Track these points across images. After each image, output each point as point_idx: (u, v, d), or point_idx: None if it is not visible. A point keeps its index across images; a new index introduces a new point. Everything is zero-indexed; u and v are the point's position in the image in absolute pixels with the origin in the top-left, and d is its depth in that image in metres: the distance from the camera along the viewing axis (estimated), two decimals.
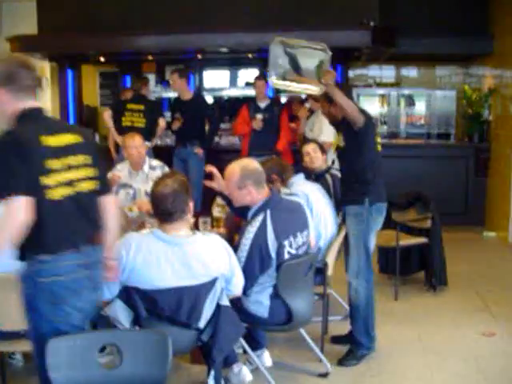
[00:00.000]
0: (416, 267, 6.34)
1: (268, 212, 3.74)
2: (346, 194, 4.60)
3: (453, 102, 10.04)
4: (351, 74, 10.40)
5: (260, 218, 3.73)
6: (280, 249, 3.70)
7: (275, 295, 3.78)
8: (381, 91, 10.59)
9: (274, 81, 4.26)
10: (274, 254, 3.69)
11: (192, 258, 3.27)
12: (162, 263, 3.22)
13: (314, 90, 4.23)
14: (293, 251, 3.79)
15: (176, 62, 10.54)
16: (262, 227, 3.70)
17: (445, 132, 9.90)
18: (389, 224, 6.14)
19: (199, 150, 7.88)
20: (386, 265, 6.37)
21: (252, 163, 3.92)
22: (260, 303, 3.79)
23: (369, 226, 4.48)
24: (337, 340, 4.78)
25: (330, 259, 4.48)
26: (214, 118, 8.17)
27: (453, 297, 5.86)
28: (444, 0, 8.85)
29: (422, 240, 6.03)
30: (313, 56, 4.18)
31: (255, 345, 4.16)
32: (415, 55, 9.43)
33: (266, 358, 4.26)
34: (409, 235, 6.09)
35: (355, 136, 4.40)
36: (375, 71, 10.80)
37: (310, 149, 5.50)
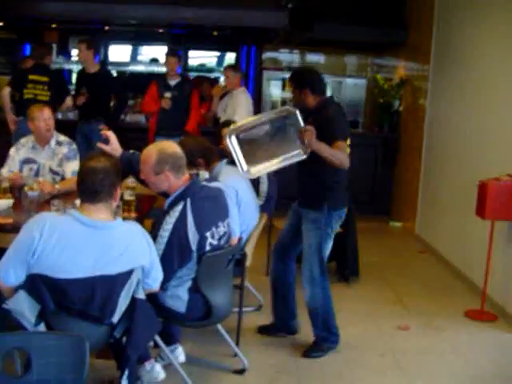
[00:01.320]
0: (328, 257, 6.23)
1: (188, 201, 3.45)
2: (305, 196, 4.39)
3: (363, 90, 10.05)
4: (263, 56, 10.22)
5: (179, 207, 3.44)
6: (202, 241, 3.45)
7: (194, 289, 3.53)
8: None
9: (252, 172, 4.07)
10: (194, 247, 3.44)
11: (111, 246, 2.98)
12: (78, 248, 2.90)
13: (297, 155, 3.94)
14: (214, 242, 3.55)
15: (80, 33, 9.96)
16: (182, 218, 3.41)
17: (353, 120, 9.88)
18: None
19: (104, 127, 7.45)
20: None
21: (171, 146, 3.57)
22: (178, 297, 3.54)
23: (327, 233, 4.31)
24: (264, 330, 4.70)
25: (250, 249, 4.28)
26: (121, 94, 7.79)
27: (365, 289, 5.80)
28: None
29: (337, 230, 5.92)
30: (277, 122, 4.04)
31: (168, 339, 3.90)
32: (328, 41, 9.31)
33: (179, 353, 4.00)
34: None
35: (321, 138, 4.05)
36: (285, 55, 10.66)
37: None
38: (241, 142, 4.01)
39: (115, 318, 3.07)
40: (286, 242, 4.56)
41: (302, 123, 3.91)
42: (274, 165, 4.06)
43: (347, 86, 10.17)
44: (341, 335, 4.52)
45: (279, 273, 4.59)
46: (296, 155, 3.96)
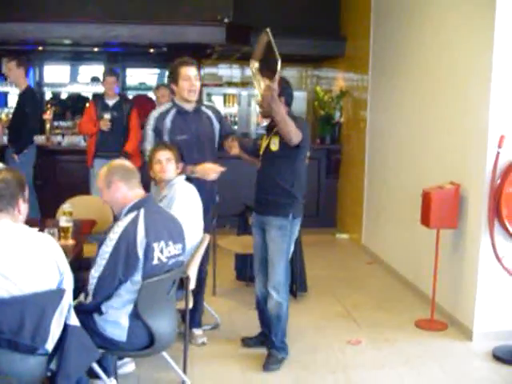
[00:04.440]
0: None
1: (142, 210, 3.43)
2: (269, 204, 4.38)
3: (303, 103, 10.02)
4: (201, 72, 10.11)
5: (132, 215, 3.41)
6: (148, 249, 3.34)
7: (135, 315, 3.37)
8: (231, 90, 10.39)
9: (255, 66, 4.28)
10: (141, 254, 3.33)
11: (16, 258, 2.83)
12: None
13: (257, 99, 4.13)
14: (163, 259, 3.43)
15: (14, 54, 9.71)
16: (133, 223, 3.37)
17: None
18: (246, 229, 5.94)
19: (14, 156, 7.15)
20: (244, 271, 6.14)
21: (120, 161, 3.73)
22: (117, 324, 3.38)
23: (291, 239, 4.40)
24: (248, 343, 4.73)
25: (192, 272, 4.12)
26: (31, 118, 7.24)
27: (313, 303, 5.72)
28: (298, 1, 8.77)
29: None
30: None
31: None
32: None
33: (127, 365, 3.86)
34: None
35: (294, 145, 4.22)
36: (225, 70, 10.59)
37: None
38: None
39: (50, 345, 2.90)
40: (259, 259, 4.58)
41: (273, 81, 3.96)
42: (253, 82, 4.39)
43: None
44: (290, 353, 4.43)
45: (264, 295, 4.56)
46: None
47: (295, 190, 4.34)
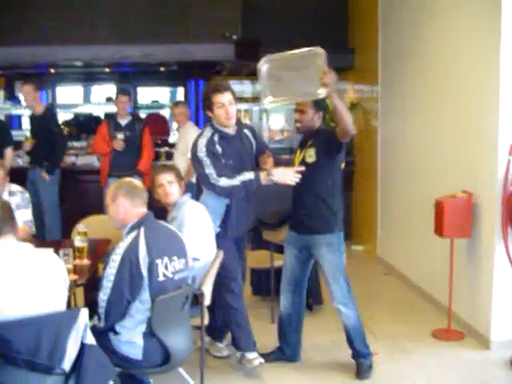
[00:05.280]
0: None
1: (142, 229, 3.45)
2: (313, 221, 4.42)
3: None
4: None
5: (133, 234, 3.44)
6: (152, 266, 3.36)
7: (149, 333, 3.40)
8: (243, 106, 10.44)
9: (269, 101, 4.16)
10: (145, 272, 3.35)
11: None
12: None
13: (317, 94, 3.97)
14: (169, 274, 3.45)
15: (27, 77, 9.84)
16: (135, 242, 3.39)
17: None
18: (260, 244, 5.95)
19: (45, 175, 7.28)
20: (260, 286, 6.15)
21: (130, 179, 3.80)
22: (132, 343, 3.40)
23: (341, 252, 4.47)
24: (267, 358, 4.67)
25: (207, 288, 4.14)
26: (60, 136, 7.57)
27: (329, 316, 5.66)
28: (306, 14, 8.80)
29: None
30: (305, 61, 4.08)
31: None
32: None
33: None
34: (282, 255, 5.87)
35: (331, 151, 4.32)
36: (236, 86, 10.63)
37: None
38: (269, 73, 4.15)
39: (66, 365, 2.91)
40: (298, 274, 4.64)
41: (325, 65, 3.95)
42: (292, 99, 4.26)
43: None
44: (307, 366, 4.44)
45: (295, 306, 4.68)
46: (315, 95, 4.00)
47: (336, 201, 4.41)
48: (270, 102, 4.17)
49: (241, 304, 4.57)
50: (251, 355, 4.53)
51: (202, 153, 4.38)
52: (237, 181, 4.23)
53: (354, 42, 8.65)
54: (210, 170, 4.32)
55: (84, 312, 2.97)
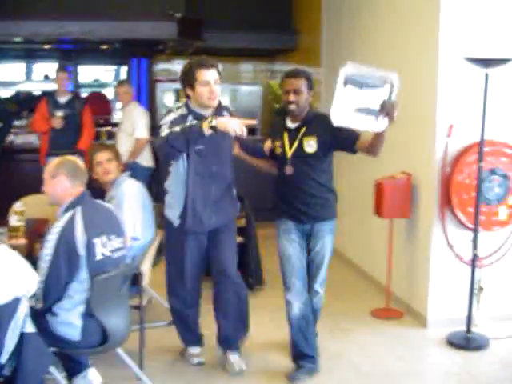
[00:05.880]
0: None
1: (78, 208, 3.38)
2: (319, 209, 4.16)
3: (259, 97, 10.03)
4: (155, 67, 10.07)
5: (69, 213, 3.37)
6: (89, 246, 3.31)
7: (87, 314, 3.35)
8: None
9: (336, 115, 3.75)
10: (83, 251, 3.29)
11: None
12: None
13: (377, 125, 3.69)
14: (107, 253, 3.41)
15: None
16: (71, 221, 3.32)
17: (251, 127, 9.86)
18: None
19: None
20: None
21: (75, 159, 3.64)
22: (70, 324, 3.35)
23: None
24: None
25: (147, 268, 4.11)
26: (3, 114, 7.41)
27: (270, 296, 5.73)
28: None
29: (238, 239, 5.84)
30: (378, 81, 3.75)
31: (77, 367, 3.72)
32: (221, 49, 9.26)
33: (93, 377, 3.79)
34: None
35: (336, 148, 4.17)
36: (180, 65, 10.52)
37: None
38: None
39: (3, 358, 2.86)
40: (305, 265, 4.28)
41: (393, 96, 3.71)
42: (354, 124, 3.82)
43: (243, 93, 10.14)
44: (247, 346, 4.45)
45: (308, 304, 4.27)
46: (377, 127, 3.71)
47: (333, 186, 4.31)
48: (336, 121, 3.78)
49: (183, 306, 4.33)
50: (193, 350, 4.43)
51: (163, 121, 3.89)
52: (176, 128, 3.72)
53: (298, 23, 8.66)
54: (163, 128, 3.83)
55: (24, 302, 2.92)
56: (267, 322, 5.15)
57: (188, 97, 3.97)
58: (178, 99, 10.16)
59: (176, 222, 4.06)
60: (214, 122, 3.63)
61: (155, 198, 6.54)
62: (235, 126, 3.63)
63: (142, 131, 7.04)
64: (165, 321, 4.96)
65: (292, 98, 3.99)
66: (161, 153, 3.93)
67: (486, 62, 4.42)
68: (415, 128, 5.21)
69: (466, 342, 4.73)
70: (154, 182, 7.55)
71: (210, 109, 3.94)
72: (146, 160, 7.25)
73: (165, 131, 3.76)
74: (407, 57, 5.37)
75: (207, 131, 3.62)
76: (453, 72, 4.82)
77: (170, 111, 4.01)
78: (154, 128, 7.79)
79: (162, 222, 4.78)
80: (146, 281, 4.11)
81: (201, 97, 3.88)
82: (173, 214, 4.07)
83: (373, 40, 6.14)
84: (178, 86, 10.33)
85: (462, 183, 4.82)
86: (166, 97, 9.89)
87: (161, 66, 10.29)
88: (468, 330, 4.77)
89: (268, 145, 4.30)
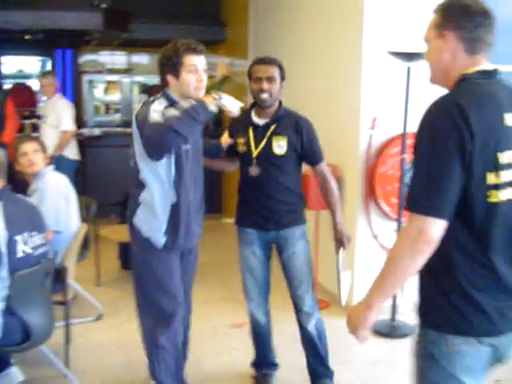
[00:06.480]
0: None
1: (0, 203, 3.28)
2: (288, 214, 3.76)
3: None
4: (81, 59, 9.90)
5: None
6: (11, 243, 3.23)
7: (8, 311, 3.27)
8: (112, 77, 10.23)
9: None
10: (3, 248, 3.20)
11: None
12: None
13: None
14: (29, 250, 3.35)
15: None
16: None
17: None
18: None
19: None
20: (128, 260, 6.06)
21: None
22: None
23: (308, 242, 3.91)
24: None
25: (71, 262, 4.05)
26: None
27: (200, 289, 5.62)
28: None
29: None
30: None
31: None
32: (148, 41, 9.19)
33: (15, 375, 3.71)
34: None
35: (300, 150, 3.71)
36: (106, 57, 10.41)
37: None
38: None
39: None
40: (266, 276, 4.04)
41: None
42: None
43: None
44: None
45: (266, 317, 4.12)
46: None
47: (301, 191, 3.92)
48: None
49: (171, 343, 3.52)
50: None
51: (153, 117, 3.13)
52: (172, 112, 3.16)
53: (226, 14, 8.66)
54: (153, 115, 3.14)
55: None
56: (195, 314, 5.15)
57: (165, 86, 3.32)
58: (106, 91, 10.04)
59: (160, 240, 3.36)
60: (221, 98, 3.16)
61: (82, 191, 6.47)
62: (237, 108, 3.25)
63: (68, 123, 6.94)
64: (91, 316, 4.91)
65: (266, 86, 3.60)
66: (158, 142, 3.07)
67: (409, 56, 4.51)
68: (340, 120, 5.29)
69: (391, 330, 4.84)
70: (80, 175, 7.46)
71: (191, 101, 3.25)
72: (72, 153, 7.14)
73: (155, 118, 3.09)
74: (332, 50, 5.45)
75: (214, 107, 3.11)
76: (376, 65, 4.92)
77: (151, 101, 3.26)
78: (79, 120, 7.68)
79: (86, 216, 4.73)
80: (70, 276, 4.04)
81: (187, 85, 3.25)
82: (153, 230, 3.35)
83: (299, 33, 6.19)
84: (107, 77, 10.25)
85: (386, 174, 4.93)
86: (93, 89, 9.76)
87: (87, 58, 10.12)
88: (393, 319, 4.89)
89: (226, 139, 3.79)
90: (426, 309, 2.15)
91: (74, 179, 5.90)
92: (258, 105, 3.71)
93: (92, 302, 5.04)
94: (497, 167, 1.95)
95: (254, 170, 3.66)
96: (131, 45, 9.83)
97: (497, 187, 1.96)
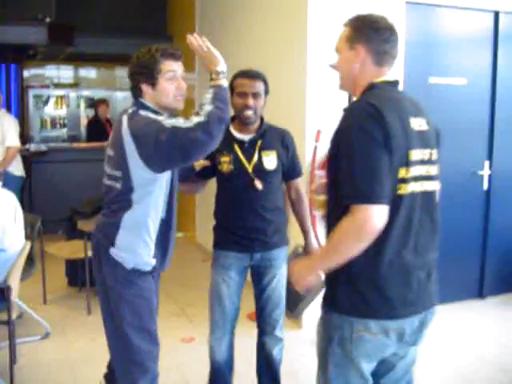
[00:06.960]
0: None
1: None
2: (274, 235, 3.57)
3: None
4: (26, 73, 9.78)
5: None
6: None
7: None
8: (59, 92, 10.13)
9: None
10: None
11: None
12: None
13: None
14: None
15: None
16: None
17: None
18: (75, 233, 5.83)
19: None
20: (75, 277, 6.02)
21: None
22: None
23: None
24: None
25: (15, 281, 3.98)
26: None
27: None
28: (123, 1, 8.70)
29: None
30: None
31: None
32: (95, 55, 9.14)
33: None
34: None
35: (287, 159, 3.60)
36: (52, 71, 10.30)
37: None
38: None
39: None
40: (237, 305, 3.73)
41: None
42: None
43: (118, 99, 10.04)
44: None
45: (228, 351, 3.79)
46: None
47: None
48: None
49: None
50: None
51: (157, 119, 2.82)
52: (209, 107, 2.80)
53: (172, 28, 8.66)
54: (174, 121, 2.75)
55: None
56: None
57: (140, 96, 3.02)
58: (54, 105, 9.92)
59: (149, 264, 3.08)
60: (223, 72, 3.04)
61: (29, 208, 6.39)
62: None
63: (13, 139, 6.83)
64: (37, 335, 4.84)
65: (251, 102, 3.43)
66: (207, 140, 2.69)
67: None
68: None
69: None
70: (26, 191, 7.36)
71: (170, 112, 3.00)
72: (17, 169, 7.05)
73: (180, 122, 2.72)
74: (278, 62, 5.51)
75: (225, 83, 2.95)
76: (319, 80, 4.98)
77: (137, 114, 2.90)
78: (24, 135, 7.58)
79: (31, 233, 4.67)
80: (14, 294, 3.97)
81: (166, 94, 2.96)
82: (140, 256, 3.03)
83: (245, 46, 6.24)
84: (51, 91, 10.13)
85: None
86: (39, 103, 9.64)
87: (33, 72, 10.01)
88: None
89: (201, 162, 3.50)
90: (331, 293, 2.35)
91: (19, 195, 5.82)
92: (240, 120, 3.52)
93: (38, 320, 4.96)
94: (408, 163, 2.19)
95: (258, 183, 3.45)
96: (78, 59, 9.77)
97: (405, 181, 2.19)
